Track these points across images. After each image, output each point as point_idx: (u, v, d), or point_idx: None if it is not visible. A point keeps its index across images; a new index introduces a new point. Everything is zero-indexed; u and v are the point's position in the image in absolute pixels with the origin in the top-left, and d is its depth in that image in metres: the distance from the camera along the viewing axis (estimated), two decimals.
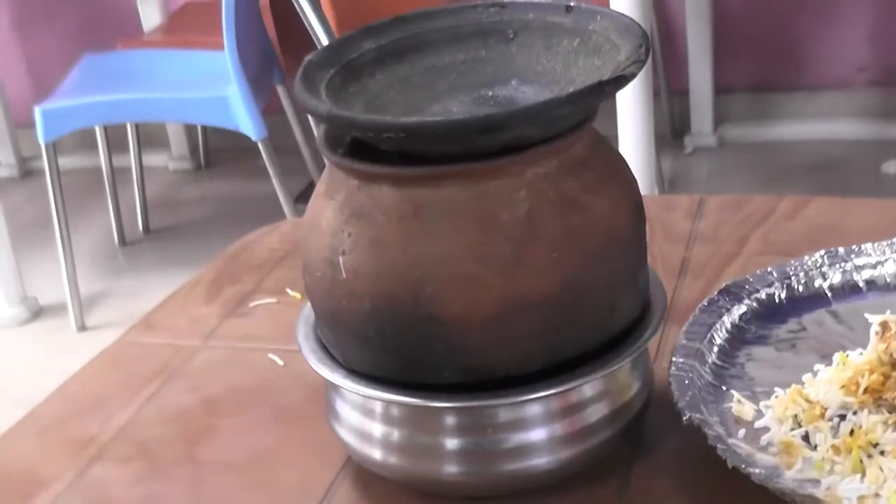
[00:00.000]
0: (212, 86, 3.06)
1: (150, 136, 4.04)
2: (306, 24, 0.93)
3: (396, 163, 0.81)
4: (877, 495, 0.80)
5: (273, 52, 3.31)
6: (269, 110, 3.16)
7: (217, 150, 4.22)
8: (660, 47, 3.89)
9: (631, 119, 2.82)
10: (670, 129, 4.05)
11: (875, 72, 4.04)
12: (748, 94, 4.16)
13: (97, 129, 3.54)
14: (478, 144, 0.78)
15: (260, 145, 3.05)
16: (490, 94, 0.87)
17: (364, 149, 0.83)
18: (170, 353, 1.12)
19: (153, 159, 4.04)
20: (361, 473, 0.91)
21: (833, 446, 0.84)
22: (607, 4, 2.64)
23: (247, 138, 3.12)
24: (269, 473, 0.94)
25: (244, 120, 3.00)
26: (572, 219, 0.79)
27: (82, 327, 3.15)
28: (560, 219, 0.79)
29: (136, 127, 3.72)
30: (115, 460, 0.96)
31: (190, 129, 4.17)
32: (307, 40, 2.59)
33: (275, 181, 3.14)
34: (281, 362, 1.09)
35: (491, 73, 0.89)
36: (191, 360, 1.11)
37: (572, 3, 0.88)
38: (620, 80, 0.78)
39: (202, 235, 3.59)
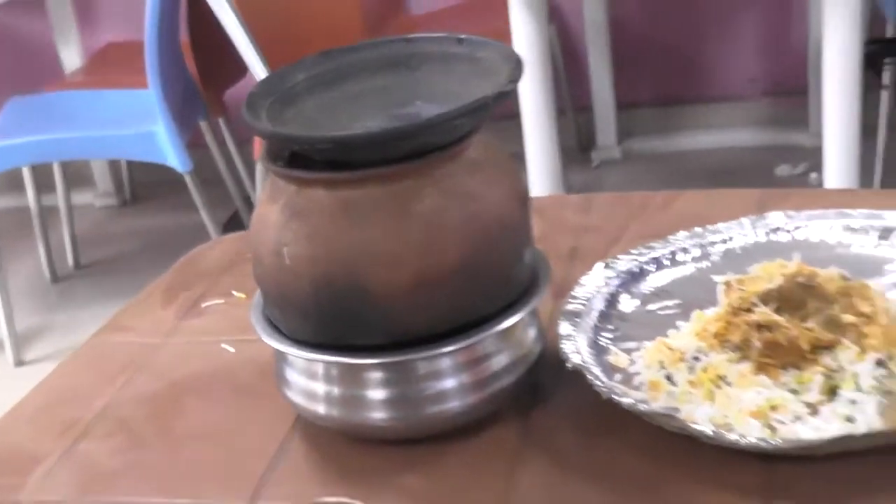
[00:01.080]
0: (138, 122, 3.13)
1: (76, 175, 4.07)
2: (245, 61, 1.10)
3: (327, 170, 0.95)
4: (725, 416, 0.95)
5: (195, 89, 3.36)
6: (193, 144, 3.23)
7: (142, 186, 4.27)
8: (563, 67, 4.03)
9: (537, 136, 2.96)
10: (577, 144, 4.17)
11: (765, 83, 4.21)
12: (649, 108, 4.29)
13: (24, 170, 3.57)
14: (392, 151, 0.93)
15: (186, 177, 3.13)
16: (401, 112, 1.01)
17: (299, 160, 0.98)
18: (136, 349, 1.25)
19: (80, 197, 4.09)
20: (308, 428, 1.05)
21: (690, 381, 1.00)
22: (508, 30, 2.82)
23: (170, 173, 3.19)
24: (231, 437, 1.07)
25: (171, 154, 3.07)
26: (470, 208, 0.95)
27: (20, 362, 3.22)
28: (460, 208, 0.95)
29: (63, 166, 3.75)
30: (98, 437, 1.08)
31: (114, 166, 4.22)
32: (227, 77, 2.79)
33: (202, 211, 3.22)
34: (233, 350, 1.21)
35: (401, 96, 1.03)
36: (155, 354, 1.23)
37: (463, 36, 1.04)
38: (501, 96, 0.94)
39: (132, 268, 3.64)
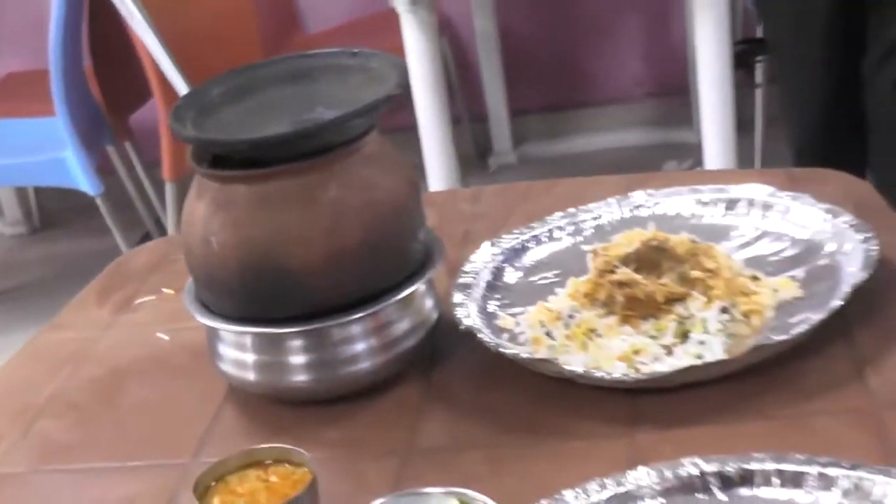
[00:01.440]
0: (47, 149, 3.13)
1: None
2: (168, 79, 1.22)
3: (245, 168, 1.08)
4: (596, 361, 1.09)
5: (100, 114, 3.34)
6: (100, 170, 3.19)
7: (50, 213, 4.22)
8: (456, 77, 3.99)
9: (435, 145, 3.00)
10: (475, 151, 4.15)
11: (650, 85, 4.24)
12: (542, 114, 4.28)
13: None
14: (299, 150, 1.07)
15: (98, 201, 3.12)
16: (305, 116, 1.12)
17: (220, 162, 1.10)
18: (77, 343, 1.34)
19: None
20: (239, 395, 1.17)
21: (566, 336, 1.15)
22: (401, 44, 2.91)
23: (78, 199, 3.20)
24: (171, 410, 1.19)
25: (81, 178, 3.08)
26: (367, 195, 1.09)
27: None
28: (360, 196, 1.09)
29: None
30: (51, 417, 1.20)
31: (21, 194, 4.15)
32: (131, 102, 2.91)
33: (115, 233, 3.20)
34: (167, 337, 1.32)
35: (304, 103, 1.15)
36: (96, 345, 1.33)
37: (356, 50, 1.17)
38: (389, 98, 1.08)
39: (45, 294, 3.53)
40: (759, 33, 3.50)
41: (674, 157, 3.82)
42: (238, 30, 3.31)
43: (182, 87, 1.23)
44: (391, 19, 2.94)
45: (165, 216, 3.38)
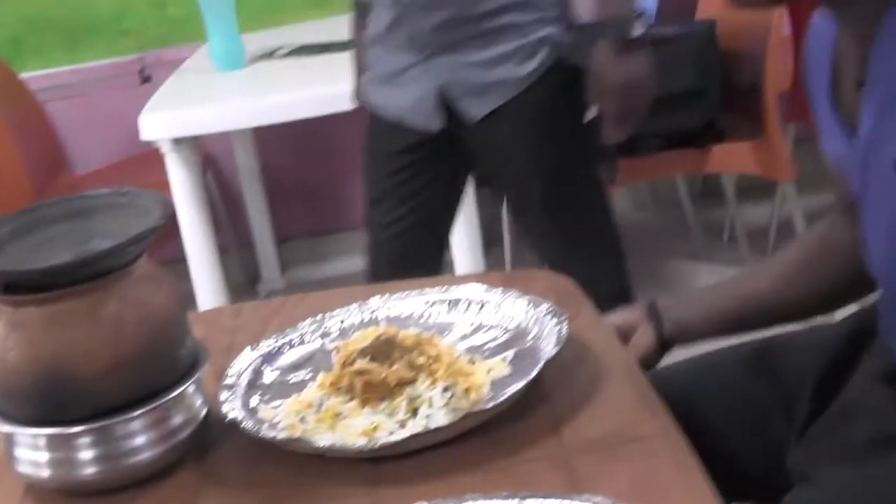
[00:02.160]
0: None
1: None
2: None
3: (35, 293, 1.17)
4: (343, 438, 1.21)
5: None
6: None
7: None
8: (222, 210, 4.10)
9: (204, 274, 3.09)
10: (244, 278, 4.23)
11: None
12: (306, 239, 4.39)
13: None
14: (81, 275, 1.17)
15: None
16: (84, 247, 1.21)
17: (12, 288, 1.18)
18: None
19: None
20: (36, 492, 1.24)
21: (316, 420, 1.27)
22: (167, 181, 3.02)
23: None
24: None
25: None
26: (141, 311, 1.20)
27: None
28: (135, 311, 1.20)
29: None
30: None
31: None
32: None
33: None
34: None
35: (83, 236, 1.24)
36: None
37: (125, 190, 1.28)
38: (155, 229, 1.20)
39: None
40: None
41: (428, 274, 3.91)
42: (6, 173, 3.36)
43: None
44: (157, 158, 2.99)
45: None
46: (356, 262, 4.17)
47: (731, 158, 3.29)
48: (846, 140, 1.34)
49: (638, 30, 2.29)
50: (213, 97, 3.10)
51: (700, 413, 1.48)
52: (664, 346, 1.60)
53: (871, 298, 1.49)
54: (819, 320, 1.63)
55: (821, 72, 1.41)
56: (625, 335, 1.58)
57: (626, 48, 2.29)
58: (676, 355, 1.64)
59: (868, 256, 1.39)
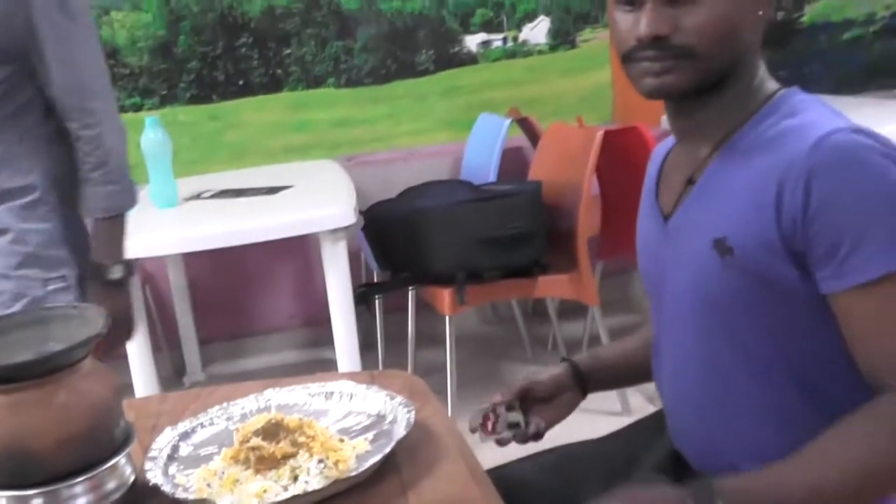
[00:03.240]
0: None
1: None
2: None
3: (3, 383, 1.17)
4: (240, 499, 1.22)
5: None
6: None
7: None
8: (157, 317, 4.04)
9: (140, 368, 3.00)
10: (173, 372, 4.14)
11: (301, 318, 4.37)
12: (224, 341, 4.33)
13: None
14: (38, 370, 1.17)
15: None
16: (42, 349, 1.22)
17: None
18: None
19: None
20: None
21: (220, 485, 1.27)
22: None
23: None
24: None
25: None
26: (86, 398, 1.21)
27: None
28: (80, 399, 1.20)
29: None
30: None
31: None
32: None
33: None
34: None
35: (42, 340, 1.25)
36: None
37: (76, 304, 1.32)
38: (97, 336, 1.21)
39: None
40: (377, 279, 3.79)
41: (321, 371, 3.83)
42: None
43: None
44: None
45: None
46: (263, 360, 4.28)
47: (553, 287, 3.33)
48: (661, 229, 1.41)
49: (118, 274, 2.06)
50: (152, 228, 3.08)
51: (519, 492, 1.48)
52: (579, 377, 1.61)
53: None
54: None
55: (650, 182, 1.49)
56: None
57: (109, 288, 2.06)
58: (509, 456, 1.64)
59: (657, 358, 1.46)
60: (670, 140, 1.50)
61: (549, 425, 1.56)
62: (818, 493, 1.17)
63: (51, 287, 2.04)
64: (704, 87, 1.31)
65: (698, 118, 1.35)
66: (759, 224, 1.23)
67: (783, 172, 1.21)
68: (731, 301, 1.28)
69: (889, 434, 1.17)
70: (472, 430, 1.54)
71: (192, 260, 4.17)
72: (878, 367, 1.20)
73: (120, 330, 2.11)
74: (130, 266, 2.11)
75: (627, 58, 1.30)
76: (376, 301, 3.79)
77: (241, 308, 4.36)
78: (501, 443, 1.53)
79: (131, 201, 2.11)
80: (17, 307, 1.98)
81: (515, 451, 1.61)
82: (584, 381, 1.61)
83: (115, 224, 2.08)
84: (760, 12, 1.29)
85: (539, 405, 1.57)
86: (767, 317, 1.27)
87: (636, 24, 1.26)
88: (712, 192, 1.32)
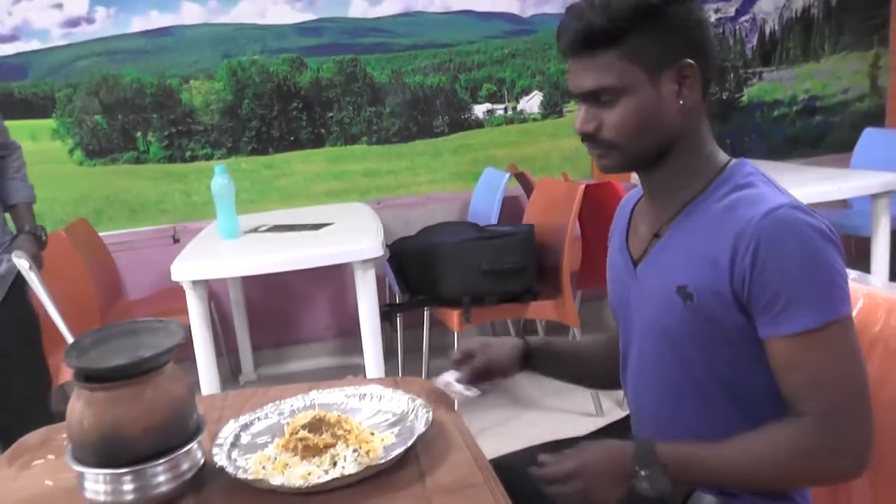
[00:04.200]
0: None
1: None
2: (59, 329, 1.31)
3: (103, 382, 1.18)
4: (289, 480, 1.22)
5: None
6: None
7: None
8: (220, 327, 4.03)
9: (205, 369, 2.95)
10: (231, 372, 4.13)
11: (335, 329, 4.33)
12: (272, 349, 4.29)
13: None
14: (131, 372, 1.18)
15: None
16: (135, 354, 1.21)
17: (89, 378, 1.19)
18: None
19: None
20: None
21: (273, 468, 1.27)
22: (186, 308, 3.00)
23: None
24: None
25: None
26: (167, 395, 1.22)
27: None
28: (163, 396, 1.21)
29: None
30: None
31: None
32: None
33: None
34: (51, 483, 1.34)
35: (133, 348, 1.25)
36: (9, 488, 1.34)
37: (162, 319, 1.27)
38: (177, 345, 1.21)
39: None
40: (398, 300, 3.76)
41: (351, 373, 3.85)
42: (84, 298, 3.31)
43: (69, 338, 1.29)
44: (180, 292, 2.94)
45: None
46: (304, 364, 4.23)
47: (541, 310, 3.30)
48: (630, 272, 1.40)
49: (41, 232, 2.59)
50: (219, 256, 3.07)
51: (516, 479, 1.48)
52: (527, 355, 1.57)
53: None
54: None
55: (620, 229, 1.48)
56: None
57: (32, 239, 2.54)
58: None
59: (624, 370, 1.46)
60: (636, 192, 1.50)
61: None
62: (736, 470, 1.22)
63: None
64: (641, 165, 1.31)
65: (657, 181, 1.35)
66: (713, 278, 1.24)
67: (736, 238, 1.21)
68: (685, 335, 1.29)
69: (788, 447, 1.21)
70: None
71: (249, 281, 4.17)
72: (793, 397, 1.23)
73: (38, 258, 2.50)
74: (44, 229, 2.60)
75: (582, 141, 1.32)
76: (397, 318, 3.77)
77: (287, 321, 4.33)
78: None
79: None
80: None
81: (513, 445, 1.61)
82: (529, 358, 1.58)
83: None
84: (681, 101, 1.26)
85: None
86: (713, 349, 1.28)
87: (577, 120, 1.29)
88: (675, 247, 1.32)
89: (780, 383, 1.23)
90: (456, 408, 1.51)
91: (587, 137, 1.28)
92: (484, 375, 1.54)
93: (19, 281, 2.47)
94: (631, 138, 1.26)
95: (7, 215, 2.63)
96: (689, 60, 1.24)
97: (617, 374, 1.52)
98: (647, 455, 1.22)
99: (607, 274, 1.51)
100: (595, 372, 1.59)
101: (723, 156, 1.35)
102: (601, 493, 1.23)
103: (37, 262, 2.43)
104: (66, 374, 3.01)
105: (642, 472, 1.22)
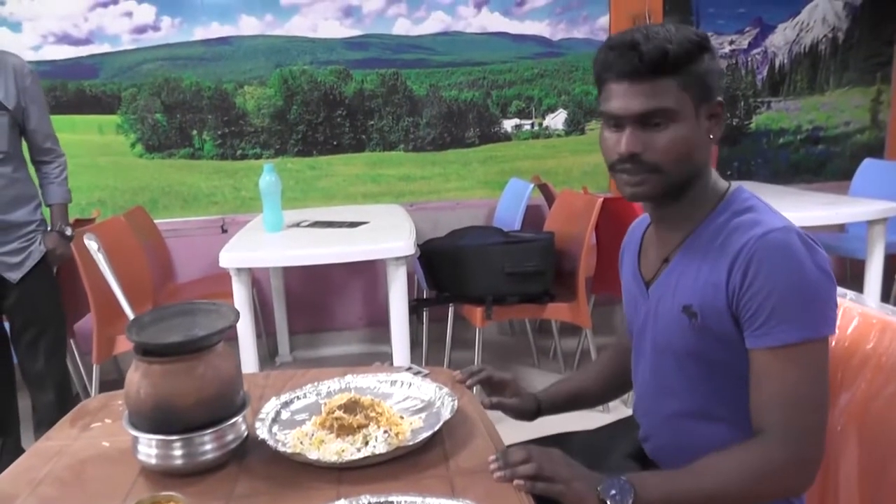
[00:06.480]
0: None
1: None
2: (121, 306, 1.30)
3: (160, 356, 1.19)
4: (325, 455, 1.21)
5: None
6: None
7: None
8: (260, 312, 4.02)
9: (247, 348, 2.94)
10: (268, 354, 4.13)
11: (366, 319, 4.30)
12: (307, 333, 4.27)
13: None
14: (186, 349, 1.19)
15: None
16: (190, 332, 1.21)
17: (146, 352, 1.20)
18: (59, 448, 1.35)
19: None
20: (147, 473, 1.25)
21: (310, 443, 1.27)
22: (231, 292, 2.99)
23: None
24: (109, 480, 1.23)
25: None
26: (217, 371, 1.22)
27: None
28: (213, 372, 1.21)
29: None
30: (46, 485, 1.22)
31: None
32: (76, 313, 2.73)
33: None
34: (108, 444, 1.36)
35: (189, 326, 1.25)
36: (70, 448, 1.35)
37: (214, 302, 1.27)
38: (229, 327, 1.21)
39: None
40: (425, 295, 3.74)
41: (380, 360, 3.77)
42: (141, 279, 3.31)
43: (130, 314, 1.30)
44: (227, 278, 2.94)
45: (91, 386, 3.17)
46: (336, 349, 4.20)
47: (557, 311, 3.28)
48: (643, 293, 1.39)
49: (69, 231, 2.85)
50: (262, 246, 3.07)
51: None
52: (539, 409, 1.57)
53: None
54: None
55: (631, 253, 1.47)
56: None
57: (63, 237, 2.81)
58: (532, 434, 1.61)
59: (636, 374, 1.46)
60: (644, 219, 1.48)
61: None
62: (712, 494, 1.18)
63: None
64: (671, 194, 1.29)
65: (667, 213, 1.34)
66: (713, 296, 1.23)
67: (732, 260, 1.21)
68: (689, 349, 1.29)
69: (754, 466, 1.17)
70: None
71: (289, 271, 4.16)
72: (760, 409, 1.20)
73: (64, 255, 2.84)
74: (72, 229, 2.85)
75: (612, 168, 1.27)
76: (424, 312, 3.74)
77: (322, 309, 4.30)
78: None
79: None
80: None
81: (527, 434, 1.60)
82: (538, 412, 1.58)
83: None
84: (711, 136, 1.26)
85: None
86: (710, 359, 1.28)
87: (618, 143, 1.24)
88: (681, 270, 1.31)
89: (752, 394, 1.21)
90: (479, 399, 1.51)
91: (629, 160, 1.24)
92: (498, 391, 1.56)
93: (47, 258, 2.82)
94: (674, 163, 1.23)
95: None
96: (720, 99, 1.25)
97: (616, 388, 1.57)
98: (618, 480, 1.17)
99: (623, 295, 1.50)
100: (596, 401, 1.62)
101: (722, 183, 1.34)
102: (563, 473, 1.18)
103: (60, 255, 2.83)
104: (120, 345, 3.02)
105: (612, 492, 1.16)
